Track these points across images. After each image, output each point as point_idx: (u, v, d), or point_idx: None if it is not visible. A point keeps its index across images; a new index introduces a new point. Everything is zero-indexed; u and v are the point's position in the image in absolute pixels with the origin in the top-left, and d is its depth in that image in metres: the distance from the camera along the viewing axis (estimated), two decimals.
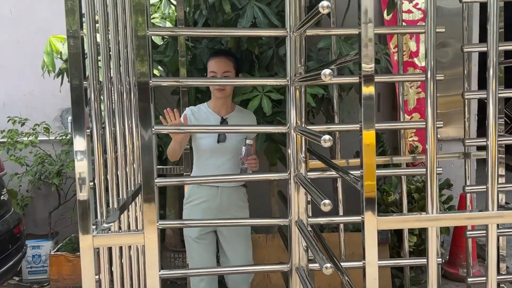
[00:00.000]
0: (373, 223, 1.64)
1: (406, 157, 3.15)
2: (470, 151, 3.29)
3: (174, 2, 3.59)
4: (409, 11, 4.47)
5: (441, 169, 2.82)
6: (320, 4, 1.63)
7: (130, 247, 2.37)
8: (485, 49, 2.71)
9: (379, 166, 3.84)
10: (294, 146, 2.43)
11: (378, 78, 3.50)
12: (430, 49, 1.70)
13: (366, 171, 1.64)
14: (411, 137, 4.68)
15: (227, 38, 3.56)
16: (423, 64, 4.61)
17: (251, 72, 3.68)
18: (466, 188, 2.54)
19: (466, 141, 2.45)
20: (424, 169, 2.81)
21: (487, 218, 1.66)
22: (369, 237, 1.65)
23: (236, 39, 3.48)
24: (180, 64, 3.20)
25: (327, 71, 1.66)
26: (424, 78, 3.16)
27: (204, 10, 3.08)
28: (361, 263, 1.69)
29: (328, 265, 1.76)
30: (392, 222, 1.65)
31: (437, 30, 2.69)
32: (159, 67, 3.32)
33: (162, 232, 4.22)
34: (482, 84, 4.72)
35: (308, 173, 2.58)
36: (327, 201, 1.71)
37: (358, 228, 3.88)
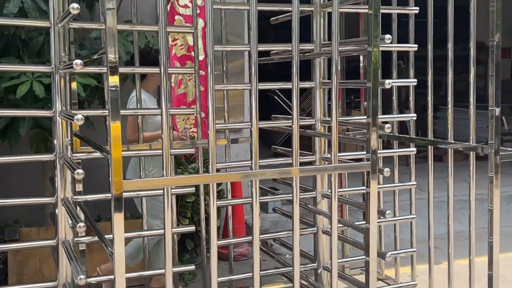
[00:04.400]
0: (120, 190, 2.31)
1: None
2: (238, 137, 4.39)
3: None
4: (185, 6, 5.34)
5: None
6: (70, 6, 2.28)
7: None
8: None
9: None
10: (59, 130, 3.02)
11: (146, 70, 4.24)
12: (162, 47, 2.47)
13: (114, 166, 2.26)
14: (191, 129, 5.57)
15: None
16: (201, 58, 5.52)
17: (20, 57, 4.08)
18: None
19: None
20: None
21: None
22: (116, 209, 2.31)
23: None
24: None
25: (78, 61, 2.31)
26: (190, 72, 4.00)
27: None
28: None
29: (82, 224, 2.42)
30: (132, 184, 2.38)
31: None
32: None
33: None
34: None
35: (76, 154, 3.19)
36: (80, 171, 2.36)
37: (137, 215, 4.55)
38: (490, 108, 3.14)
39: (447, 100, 3.60)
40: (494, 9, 3.04)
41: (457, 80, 3.76)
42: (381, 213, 3.23)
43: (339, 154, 3.00)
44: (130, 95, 4.22)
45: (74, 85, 3.23)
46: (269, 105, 8.34)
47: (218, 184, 4.92)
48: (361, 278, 3.45)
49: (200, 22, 5.27)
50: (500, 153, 3.15)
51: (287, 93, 3.34)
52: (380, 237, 4.39)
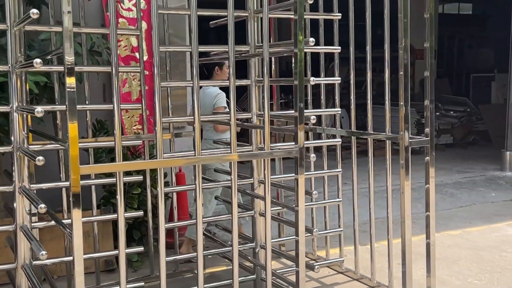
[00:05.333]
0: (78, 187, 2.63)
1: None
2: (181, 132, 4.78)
3: None
4: (129, 9, 5.65)
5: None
6: (31, 11, 2.59)
7: None
8: None
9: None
10: (16, 124, 3.29)
11: (96, 69, 4.53)
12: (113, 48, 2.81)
13: (71, 164, 2.55)
14: (135, 125, 5.88)
15: None
16: (145, 58, 5.83)
17: None
18: None
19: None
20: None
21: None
22: (74, 201, 2.63)
23: None
24: None
25: (38, 60, 2.62)
26: (137, 70, 4.31)
27: None
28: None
29: (42, 205, 2.72)
30: (89, 168, 2.71)
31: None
32: None
33: None
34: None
35: (32, 147, 3.46)
36: (40, 157, 2.67)
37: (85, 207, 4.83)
38: (400, 104, 3.64)
39: (367, 98, 4.11)
40: (401, 17, 3.54)
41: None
42: (308, 193, 3.67)
43: (274, 145, 3.42)
44: (215, 91, 4.99)
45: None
46: None
47: (164, 177, 5.25)
48: None
49: (144, 25, 5.57)
50: (409, 141, 3.66)
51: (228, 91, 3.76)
52: (313, 222, 4.86)
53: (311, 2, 3.33)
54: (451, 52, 16.25)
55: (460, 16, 18.00)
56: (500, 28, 10.54)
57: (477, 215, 6.65)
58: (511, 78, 8.95)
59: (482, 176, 8.44)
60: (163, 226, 3.12)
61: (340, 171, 4.44)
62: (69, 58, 2.57)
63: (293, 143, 3.34)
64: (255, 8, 3.95)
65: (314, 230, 3.72)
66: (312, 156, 3.51)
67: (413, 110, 8.38)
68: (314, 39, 3.36)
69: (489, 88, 12.26)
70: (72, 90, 2.58)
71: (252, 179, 4.09)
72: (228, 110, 4.42)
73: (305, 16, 4.13)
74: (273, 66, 5.04)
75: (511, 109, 8.96)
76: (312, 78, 3.42)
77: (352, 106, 4.28)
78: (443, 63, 15.26)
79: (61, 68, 3.73)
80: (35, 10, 2.60)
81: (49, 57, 3.42)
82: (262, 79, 3.76)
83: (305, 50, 3.79)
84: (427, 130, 3.73)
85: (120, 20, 5.78)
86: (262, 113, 3.41)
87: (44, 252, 2.73)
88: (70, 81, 2.57)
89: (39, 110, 2.65)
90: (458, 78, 15.50)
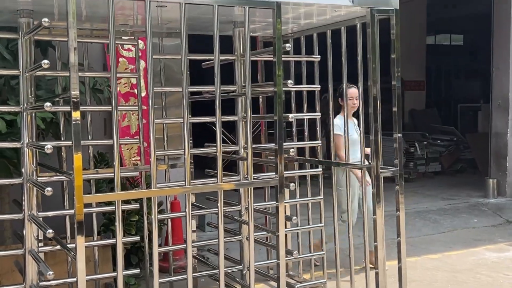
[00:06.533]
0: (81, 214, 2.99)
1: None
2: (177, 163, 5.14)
3: None
4: (128, 49, 6.10)
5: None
6: (42, 62, 3.00)
7: None
8: None
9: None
10: (27, 158, 3.68)
11: (99, 108, 4.91)
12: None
13: (76, 193, 2.91)
14: (134, 157, 6.27)
15: None
16: (143, 94, 6.26)
17: None
18: None
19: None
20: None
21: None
22: (78, 227, 3.00)
23: None
24: None
25: (48, 104, 3.02)
26: (135, 109, 4.72)
27: None
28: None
29: (50, 231, 3.09)
30: (92, 198, 3.08)
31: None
32: None
33: None
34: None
35: (40, 178, 3.84)
36: (49, 188, 3.05)
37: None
38: (370, 136, 4.03)
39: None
40: (371, 63, 3.96)
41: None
42: (288, 219, 4.04)
43: (258, 175, 3.78)
44: (335, 120, 5.08)
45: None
46: (209, 135, 9.14)
47: (159, 205, 5.62)
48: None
49: (142, 63, 6.02)
50: (380, 170, 4.04)
51: (226, 124, 4.16)
52: (298, 246, 5.21)
53: (288, 49, 3.72)
54: (439, 83, 16.74)
55: (450, 47, 18.57)
56: (486, 59, 11.01)
57: (458, 240, 7.00)
58: (492, 109, 9.38)
59: (466, 203, 8.80)
60: (156, 250, 3.48)
61: (321, 198, 4.81)
62: (75, 94, 2.93)
63: (272, 173, 3.71)
64: (241, 52, 4.38)
65: (294, 252, 4.07)
66: (292, 185, 3.88)
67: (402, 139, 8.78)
68: (292, 81, 3.77)
69: (476, 118, 12.69)
70: (77, 123, 2.93)
71: (239, 206, 4.47)
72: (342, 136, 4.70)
73: (288, 58, 4.56)
74: (260, 100, 5.43)
75: (493, 138, 9.36)
76: (290, 115, 3.82)
77: (331, 139, 4.67)
78: (431, 93, 15.75)
79: (67, 108, 4.14)
80: (46, 61, 3.01)
81: (56, 99, 3.82)
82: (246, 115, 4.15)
83: (288, 88, 4.21)
84: (396, 160, 4.12)
85: (121, 59, 6.23)
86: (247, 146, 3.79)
87: (51, 272, 3.08)
88: (76, 116, 2.93)
89: (49, 147, 3.03)
90: (446, 108, 15.97)
